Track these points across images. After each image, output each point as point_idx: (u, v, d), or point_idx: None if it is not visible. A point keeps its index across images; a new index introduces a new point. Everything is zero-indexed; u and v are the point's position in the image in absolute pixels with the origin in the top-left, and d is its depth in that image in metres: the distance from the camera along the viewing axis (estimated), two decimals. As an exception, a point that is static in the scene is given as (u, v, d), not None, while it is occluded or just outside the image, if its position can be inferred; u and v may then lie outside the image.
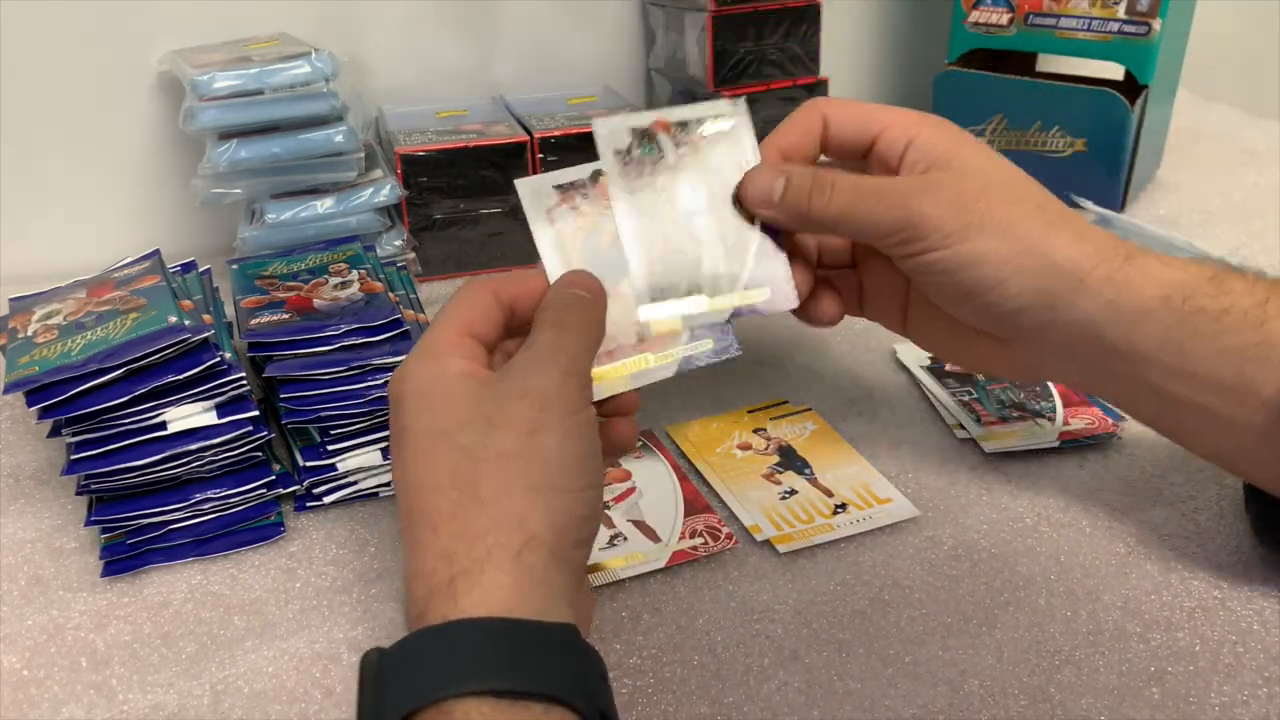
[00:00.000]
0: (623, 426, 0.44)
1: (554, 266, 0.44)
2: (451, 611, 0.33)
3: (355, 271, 0.59)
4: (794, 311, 0.48)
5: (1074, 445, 0.55)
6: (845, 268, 0.52)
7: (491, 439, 0.37)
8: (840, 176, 0.45)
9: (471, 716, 0.30)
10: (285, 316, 0.53)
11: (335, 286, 0.57)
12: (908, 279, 0.48)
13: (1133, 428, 0.57)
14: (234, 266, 0.62)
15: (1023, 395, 0.58)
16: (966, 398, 0.58)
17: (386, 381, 0.51)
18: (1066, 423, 0.56)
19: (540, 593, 0.35)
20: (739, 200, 0.46)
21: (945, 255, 0.43)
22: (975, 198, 0.43)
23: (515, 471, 0.36)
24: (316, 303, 0.55)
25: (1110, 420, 0.56)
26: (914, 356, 0.63)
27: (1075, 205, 0.83)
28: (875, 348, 0.66)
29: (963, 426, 0.56)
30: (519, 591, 0.34)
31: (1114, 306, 0.42)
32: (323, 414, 0.51)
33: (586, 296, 0.42)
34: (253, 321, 0.53)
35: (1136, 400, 0.46)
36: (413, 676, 0.32)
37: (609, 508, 0.51)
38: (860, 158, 0.48)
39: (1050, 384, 0.59)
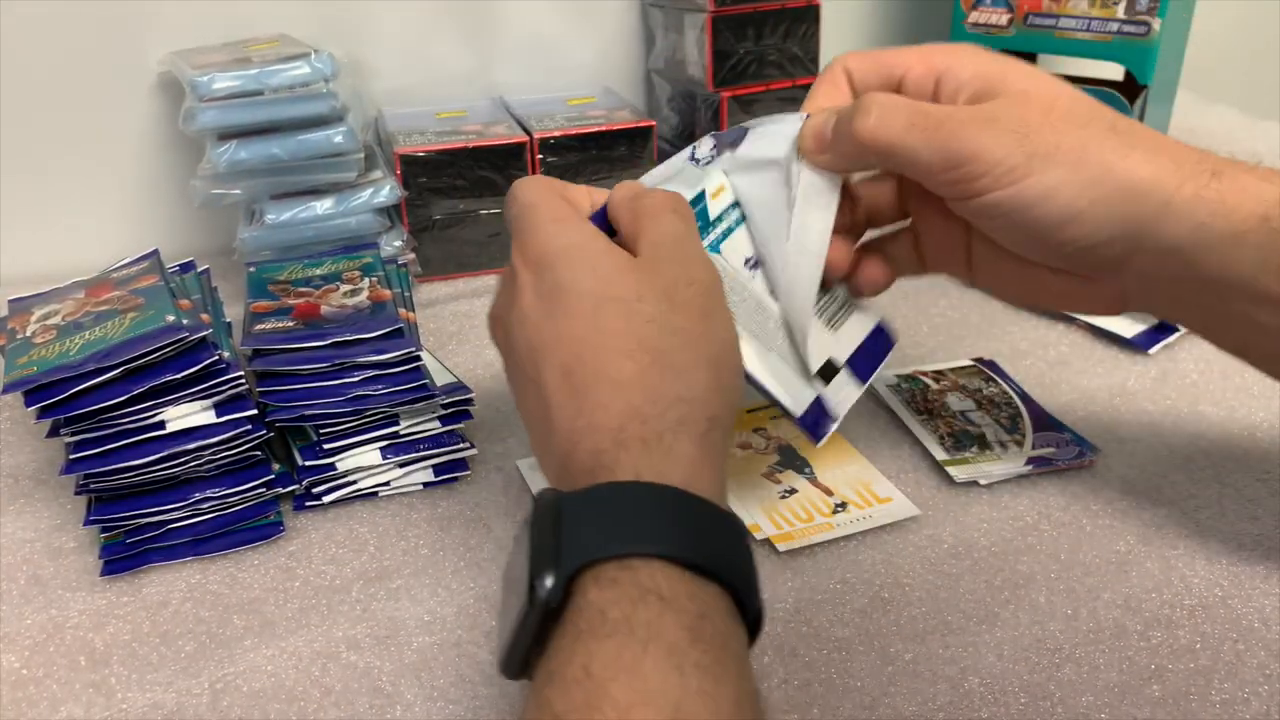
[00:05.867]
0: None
1: None
2: (644, 469, 0.33)
3: (367, 279, 0.59)
4: (845, 281, 0.48)
5: (1045, 468, 0.53)
6: (896, 222, 0.49)
7: (676, 315, 0.37)
8: (891, 97, 0.42)
9: (658, 580, 0.30)
10: (290, 324, 0.53)
11: (345, 294, 0.57)
12: (968, 223, 0.44)
13: (1126, 433, 0.57)
14: (251, 269, 0.62)
15: (984, 429, 0.56)
16: (933, 431, 0.56)
17: (365, 379, 0.52)
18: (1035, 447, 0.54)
19: (714, 473, 0.35)
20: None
21: (1009, 194, 0.40)
22: (1038, 125, 0.40)
23: (700, 349, 0.37)
24: (324, 309, 0.55)
25: (1078, 449, 0.54)
26: (883, 384, 0.61)
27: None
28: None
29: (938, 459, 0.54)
30: (703, 467, 0.34)
31: (1205, 229, 0.38)
32: (306, 412, 0.51)
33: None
34: (255, 328, 0.53)
35: (1228, 330, 0.42)
36: (599, 526, 0.31)
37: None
38: None
39: (1023, 413, 0.57)
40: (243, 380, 0.49)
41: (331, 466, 0.52)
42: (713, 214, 0.45)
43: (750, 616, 0.32)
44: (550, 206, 0.41)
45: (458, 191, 0.75)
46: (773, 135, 0.46)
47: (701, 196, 0.45)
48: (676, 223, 0.41)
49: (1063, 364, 0.63)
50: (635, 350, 0.36)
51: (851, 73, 0.46)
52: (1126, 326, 0.65)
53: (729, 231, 0.46)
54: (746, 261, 0.46)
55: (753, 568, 0.33)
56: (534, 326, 0.38)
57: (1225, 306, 0.40)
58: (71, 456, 0.47)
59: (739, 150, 0.46)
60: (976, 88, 0.42)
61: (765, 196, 0.45)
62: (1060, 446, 0.54)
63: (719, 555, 0.32)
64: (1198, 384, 0.60)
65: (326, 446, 0.52)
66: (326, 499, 0.52)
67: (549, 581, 0.30)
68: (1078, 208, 0.40)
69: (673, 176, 0.45)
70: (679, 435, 0.35)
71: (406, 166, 0.74)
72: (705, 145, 0.47)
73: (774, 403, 0.45)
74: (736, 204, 0.46)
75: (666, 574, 0.30)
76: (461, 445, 0.54)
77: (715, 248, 0.45)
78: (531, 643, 0.30)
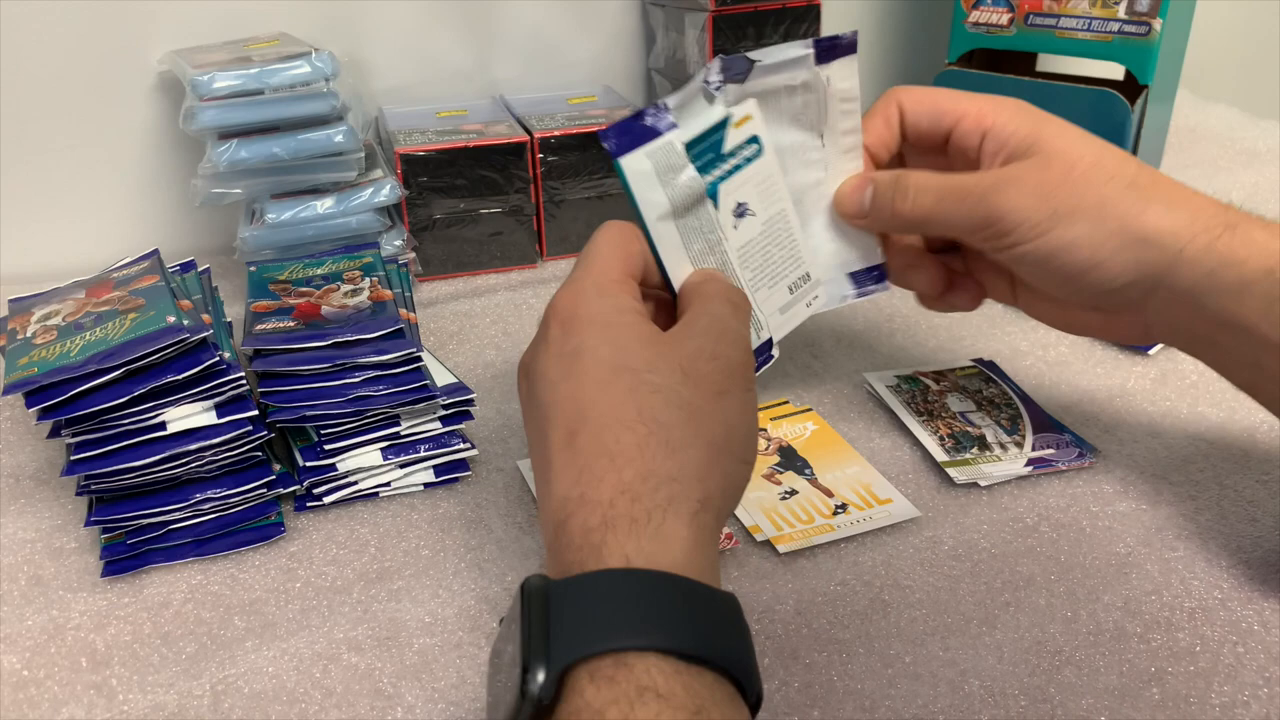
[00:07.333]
0: None
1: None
2: (633, 554, 0.33)
3: (368, 279, 0.59)
4: (927, 302, 0.53)
5: (1045, 469, 0.53)
6: (948, 250, 0.53)
7: (685, 389, 0.37)
8: (922, 177, 0.46)
9: (653, 674, 0.29)
10: (291, 324, 0.53)
11: (346, 294, 0.57)
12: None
13: (1126, 434, 0.57)
14: (251, 269, 0.62)
15: (984, 430, 0.56)
16: (933, 432, 0.56)
17: (366, 380, 0.52)
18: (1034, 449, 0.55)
19: (708, 556, 0.35)
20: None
21: (1035, 246, 0.44)
22: (1059, 185, 0.44)
23: (702, 427, 0.36)
24: (325, 310, 0.55)
25: (1078, 450, 0.54)
26: (883, 384, 0.61)
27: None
28: (874, 348, 0.66)
29: (937, 461, 0.54)
30: (695, 550, 0.34)
31: (1214, 277, 0.42)
32: (307, 413, 0.51)
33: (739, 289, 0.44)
34: (256, 328, 0.53)
35: (1239, 371, 0.45)
36: (591, 618, 0.31)
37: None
38: (939, 149, 0.49)
39: (1024, 414, 0.57)
40: (244, 381, 0.49)
41: (332, 467, 0.52)
42: (727, 146, 0.45)
43: (751, 698, 0.32)
44: (601, 268, 0.41)
45: (458, 191, 0.75)
46: (782, 62, 0.48)
47: (722, 125, 0.45)
48: (724, 308, 0.41)
49: (1062, 365, 0.63)
50: (634, 421, 0.35)
51: (904, 111, 0.50)
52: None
53: (735, 169, 0.46)
54: (736, 208, 0.46)
55: (750, 649, 0.33)
56: (549, 384, 0.38)
57: (1236, 348, 0.44)
58: (73, 457, 0.47)
59: (748, 84, 0.46)
60: (1014, 147, 0.46)
61: (794, 114, 0.48)
62: (1060, 448, 0.55)
63: (715, 642, 0.31)
64: (1197, 385, 0.60)
65: (327, 447, 0.52)
66: (327, 500, 0.52)
67: (540, 677, 0.30)
68: (1099, 257, 0.44)
69: (684, 105, 0.44)
70: (668, 515, 0.34)
71: (407, 166, 0.74)
72: (715, 70, 0.45)
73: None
74: (755, 139, 0.46)
75: (662, 668, 0.30)
76: (462, 446, 0.54)
77: (714, 188, 0.45)
78: None
